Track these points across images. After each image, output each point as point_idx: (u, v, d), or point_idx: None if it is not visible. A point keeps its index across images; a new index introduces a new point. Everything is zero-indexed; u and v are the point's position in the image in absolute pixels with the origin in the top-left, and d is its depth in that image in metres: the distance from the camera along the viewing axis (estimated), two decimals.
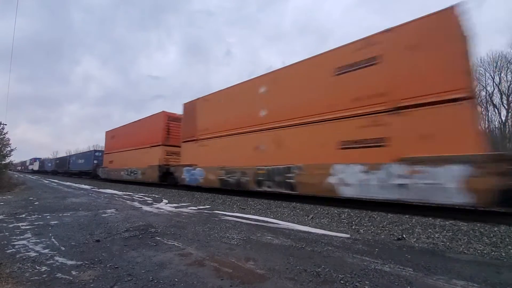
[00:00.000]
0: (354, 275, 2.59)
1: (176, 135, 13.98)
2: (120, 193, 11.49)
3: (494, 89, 19.93)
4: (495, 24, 34.38)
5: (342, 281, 2.44)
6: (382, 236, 4.32)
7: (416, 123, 5.51)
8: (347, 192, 6.34)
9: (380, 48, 6.19)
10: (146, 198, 9.45)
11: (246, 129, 9.14)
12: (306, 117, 7.32)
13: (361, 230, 4.69)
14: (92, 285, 2.35)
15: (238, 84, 10.04)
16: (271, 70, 8.90)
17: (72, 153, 67.67)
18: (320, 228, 4.78)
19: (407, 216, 5.38)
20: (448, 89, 5.20)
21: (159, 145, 14.24)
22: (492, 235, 4.06)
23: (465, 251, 3.54)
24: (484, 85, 20.11)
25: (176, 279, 2.46)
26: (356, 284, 2.39)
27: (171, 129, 14.47)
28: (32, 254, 3.19)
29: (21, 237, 3.98)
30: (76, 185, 16.63)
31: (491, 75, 20.03)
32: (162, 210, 6.68)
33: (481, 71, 20.03)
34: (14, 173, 43.79)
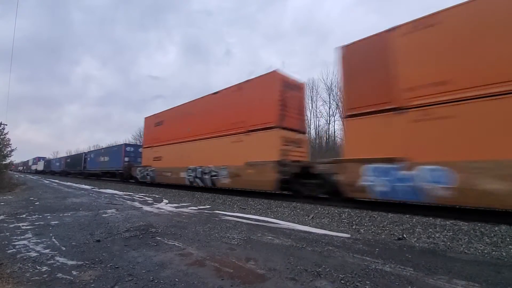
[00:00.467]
0: (355, 275, 2.59)
1: (294, 112, 9.24)
2: (120, 193, 11.49)
3: None
4: None
5: (342, 281, 2.44)
6: (383, 236, 4.32)
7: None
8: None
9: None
10: (147, 198, 9.45)
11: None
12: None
13: (362, 230, 4.69)
14: (92, 285, 2.35)
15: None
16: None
17: (72, 153, 59.24)
18: (321, 228, 4.78)
19: (407, 215, 5.38)
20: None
21: (271, 128, 8.52)
22: (492, 234, 4.06)
23: (466, 251, 3.53)
24: None
25: (177, 279, 2.46)
26: (357, 284, 2.39)
27: (287, 101, 8.89)
28: (33, 254, 3.19)
29: (22, 237, 3.98)
30: (77, 185, 16.64)
31: None
32: (162, 210, 6.68)
33: None
34: (15, 173, 43.36)
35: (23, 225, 4.77)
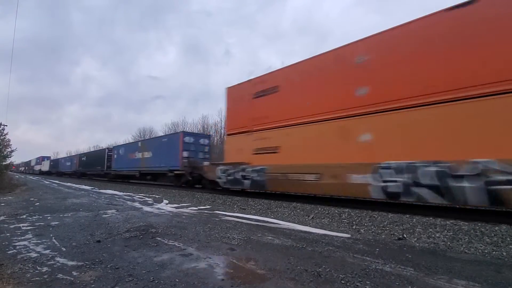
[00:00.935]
0: (355, 275, 2.59)
1: None
2: (120, 193, 11.50)
3: None
4: None
5: (343, 281, 2.44)
6: (383, 236, 4.32)
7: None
8: None
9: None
10: (147, 199, 9.46)
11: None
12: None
13: (362, 230, 4.69)
14: (93, 285, 2.35)
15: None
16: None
17: (72, 153, 54.86)
18: (321, 228, 4.78)
19: (407, 215, 5.38)
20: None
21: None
22: (493, 234, 4.06)
23: (466, 251, 3.53)
24: None
25: (177, 280, 2.46)
26: (357, 284, 2.39)
27: None
28: (33, 254, 3.19)
29: (22, 238, 3.99)
30: (77, 185, 16.65)
31: None
32: (162, 211, 6.68)
33: None
34: (15, 174, 42.87)
35: (23, 226, 4.77)
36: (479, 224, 4.59)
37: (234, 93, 10.21)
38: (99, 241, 3.77)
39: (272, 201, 7.92)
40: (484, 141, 4.76)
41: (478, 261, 3.13)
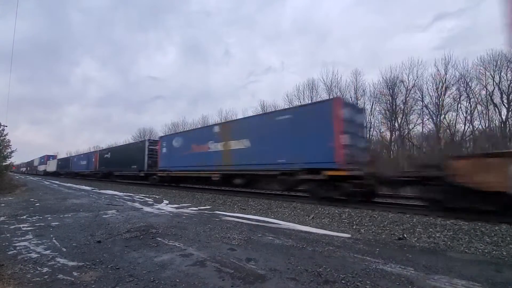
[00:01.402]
0: (355, 275, 2.59)
1: None
2: (121, 194, 11.49)
3: (494, 88, 19.87)
4: (494, 23, 34.31)
5: (343, 281, 2.44)
6: (383, 236, 4.32)
7: None
8: None
9: None
10: (147, 199, 9.45)
11: None
12: None
13: (362, 230, 4.69)
14: (93, 286, 2.35)
15: None
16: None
17: (73, 153, 48.83)
18: (321, 228, 4.78)
19: (408, 215, 5.38)
20: None
21: None
22: (493, 234, 4.06)
23: (466, 250, 3.53)
24: (484, 84, 20.00)
25: (178, 280, 2.46)
26: (357, 284, 2.39)
27: None
28: (34, 255, 3.19)
29: (22, 238, 3.99)
30: (77, 186, 16.64)
31: (491, 74, 19.96)
32: (163, 211, 6.68)
33: (481, 70, 19.88)
34: (15, 175, 42.24)
35: (23, 227, 4.77)
36: (479, 223, 4.59)
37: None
38: (99, 242, 3.77)
39: (272, 201, 7.92)
40: None
41: (478, 260, 3.14)
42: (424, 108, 22.03)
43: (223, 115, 37.85)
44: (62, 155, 59.87)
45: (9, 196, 10.69)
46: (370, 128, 23.62)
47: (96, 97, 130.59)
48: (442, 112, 21.30)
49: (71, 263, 2.91)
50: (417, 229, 4.48)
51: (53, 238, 4.00)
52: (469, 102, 20.78)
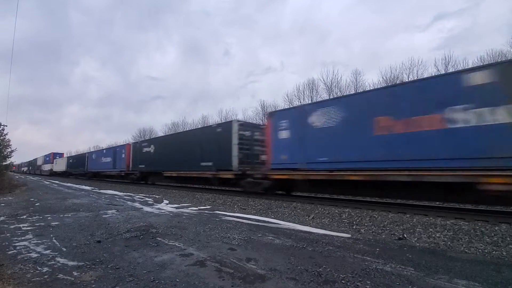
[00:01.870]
0: (355, 275, 2.59)
1: None
2: (121, 193, 11.49)
3: None
4: (494, 23, 34.31)
5: (343, 281, 2.44)
6: (383, 236, 4.32)
7: None
8: None
9: None
10: (147, 199, 9.45)
11: None
12: None
13: (362, 230, 4.69)
14: (93, 286, 2.35)
15: None
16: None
17: (73, 153, 43.42)
18: (321, 228, 4.78)
19: (408, 215, 5.38)
20: None
21: None
22: (493, 234, 4.06)
23: (466, 250, 3.53)
24: None
25: (178, 280, 2.46)
26: (358, 284, 2.39)
27: None
28: (34, 255, 3.19)
29: (22, 238, 3.99)
30: (77, 186, 16.64)
31: None
32: (163, 211, 6.68)
33: None
34: (15, 174, 41.05)
35: (23, 226, 4.77)
36: (479, 223, 4.59)
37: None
38: (99, 241, 3.77)
39: (272, 201, 7.92)
40: None
41: (478, 260, 3.13)
42: None
43: (223, 115, 37.79)
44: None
45: (9, 196, 10.69)
46: None
47: (96, 97, 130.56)
48: None
49: (71, 263, 2.91)
50: (417, 229, 4.48)
51: (53, 238, 4.00)
52: None
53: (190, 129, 28.07)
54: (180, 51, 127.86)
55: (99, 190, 13.50)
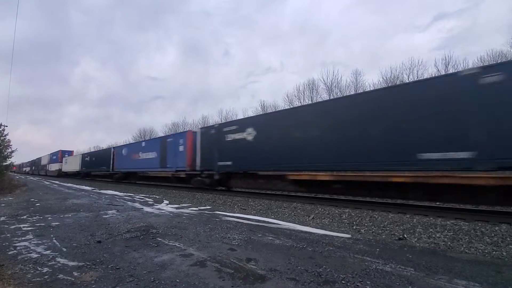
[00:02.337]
0: (356, 275, 2.59)
1: None
2: (121, 194, 11.50)
3: None
4: (494, 24, 34.31)
5: (343, 281, 2.44)
6: (383, 236, 4.32)
7: None
8: None
9: None
10: (147, 199, 9.46)
11: None
12: None
13: (362, 230, 4.69)
14: (94, 286, 2.36)
15: None
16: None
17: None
18: (321, 229, 4.78)
19: (408, 216, 5.38)
20: None
21: None
22: (493, 234, 4.06)
23: (467, 251, 3.53)
24: None
25: (178, 280, 2.46)
26: (358, 284, 2.39)
27: None
28: (34, 255, 3.20)
29: (23, 238, 3.99)
30: (77, 186, 16.65)
31: None
32: (163, 211, 6.69)
33: None
34: (16, 175, 40.37)
35: (24, 227, 4.78)
36: (480, 224, 4.59)
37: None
38: (99, 242, 3.77)
39: (272, 201, 7.92)
40: None
41: (479, 261, 3.13)
42: None
43: (223, 115, 37.76)
44: None
45: (10, 196, 10.70)
46: None
47: (96, 97, 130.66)
48: None
49: (71, 263, 2.91)
50: (417, 230, 4.48)
51: (54, 238, 4.00)
52: None
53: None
54: (180, 51, 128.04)
55: (99, 190, 13.50)
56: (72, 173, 28.45)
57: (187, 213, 6.44)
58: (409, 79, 22.78)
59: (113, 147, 21.38)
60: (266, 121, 9.56)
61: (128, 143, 25.94)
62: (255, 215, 6.14)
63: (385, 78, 24.28)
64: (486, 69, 5.10)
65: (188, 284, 2.39)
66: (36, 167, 45.35)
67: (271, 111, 26.44)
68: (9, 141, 17.32)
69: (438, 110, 5.39)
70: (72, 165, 28.49)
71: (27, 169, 52.75)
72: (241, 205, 7.71)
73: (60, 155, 33.53)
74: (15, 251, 3.37)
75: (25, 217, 5.77)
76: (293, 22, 78.76)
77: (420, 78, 17.71)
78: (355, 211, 6.02)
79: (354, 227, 4.92)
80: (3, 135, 16.49)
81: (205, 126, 15.29)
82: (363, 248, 3.58)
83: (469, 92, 5.06)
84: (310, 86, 29.01)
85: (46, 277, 2.56)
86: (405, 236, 4.23)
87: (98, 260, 2.99)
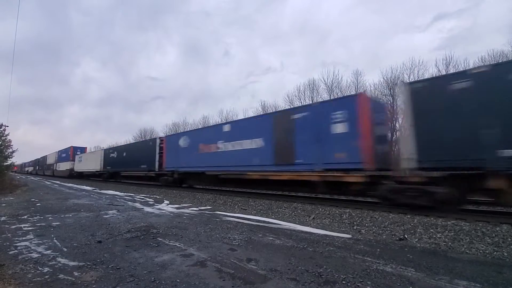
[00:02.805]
0: (356, 275, 2.59)
1: None
2: (121, 194, 11.51)
3: None
4: (494, 24, 34.23)
5: (344, 282, 2.44)
6: (384, 237, 4.31)
7: None
8: None
9: None
10: (148, 199, 9.46)
11: None
12: None
13: (363, 231, 4.69)
14: (94, 286, 2.36)
15: None
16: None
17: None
18: (322, 229, 4.78)
19: (408, 216, 5.37)
20: None
21: None
22: (494, 235, 4.05)
23: (467, 251, 3.53)
24: None
25: (178, 280, 2.46)
26: (358, 284, 2.39)
27: None
28: (35, 255, 3.20)
29: (23, 238, 4.00)
30: (78, 186, 16.67)
31: None
32: (163, 211, 6.69)
33: None
34: (16, 175, 39.98)
35: (24, 226, 4.79)
36: (480, 224, 4.58)
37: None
38: (100, 242, 3.78)
39: (273, 201, 7.92)
40: None
41: (479, 261, 3.13)
42: None
43: (224, 115, 37.69)
44: None
45: (10, 196, 10.72)
46: None
47: (96, 97, 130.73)
48: None
49: (72, 263, 2.91)
50: (418, 230, 4.48)
51: (54, 238, 4.00)
52: None
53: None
54: (180, 52, 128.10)
55: (100, 190, 13.52)
56: (89, 174, 23.20)
57: (187, 213, 6.45)
58: (410, 79, 22.74)
59: (159, 137, 15.91)
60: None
61: (197, 128, 21.33)
62: (255, 215, 6.14)
63: (386, 78, 24.19)
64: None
65: (188, 284, 2.39)
66: (40, 167, 40.98)
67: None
68: (10, 141, 17.36)
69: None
70: (88, 163, 23.19)
71: (30, 169, 49.14)
72: (241, 205, 7.71)
73: (71, 152, 28.37)
74: (16, 251, 3.38)
75: (25, 217, 5.78)
76: (293, 22, 78.72)
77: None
78: (355, 211, 6.01)
79: (355, 227, 4.91)
80: (4, 135, 16.54)
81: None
82: (363, 248, 3.58)
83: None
84: (310, 86, 28.92)
85: (46, 277, 2.56)
86: (406, 236, 4.23)
87: (98, 260, 3.00)
